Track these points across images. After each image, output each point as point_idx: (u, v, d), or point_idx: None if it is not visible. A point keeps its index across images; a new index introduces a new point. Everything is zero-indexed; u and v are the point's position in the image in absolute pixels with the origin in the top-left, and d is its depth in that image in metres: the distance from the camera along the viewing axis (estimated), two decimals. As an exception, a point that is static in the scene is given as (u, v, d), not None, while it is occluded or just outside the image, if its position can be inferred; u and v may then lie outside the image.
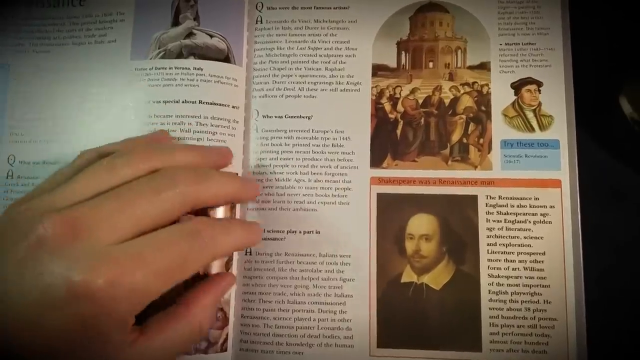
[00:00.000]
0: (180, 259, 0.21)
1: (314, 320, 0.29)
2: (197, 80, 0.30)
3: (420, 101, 0.31)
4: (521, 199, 0.29)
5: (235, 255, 0.29)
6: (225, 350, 0.28)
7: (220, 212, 0.29)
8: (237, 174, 0.30)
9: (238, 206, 0.30)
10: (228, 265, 0.29)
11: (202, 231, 0.22)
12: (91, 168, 0.23)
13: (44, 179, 0.25)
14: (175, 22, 0.31)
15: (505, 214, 0.29)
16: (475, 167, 0.30)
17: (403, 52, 0.32)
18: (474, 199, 0.29)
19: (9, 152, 0.31)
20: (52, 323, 0.19)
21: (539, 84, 0.30)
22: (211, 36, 0.31)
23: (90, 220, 0.20)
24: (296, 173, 0.30)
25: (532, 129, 0.30)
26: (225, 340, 0.28)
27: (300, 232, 0.30)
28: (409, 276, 0.29)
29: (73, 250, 0.19)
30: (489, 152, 0.30)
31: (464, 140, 0.30)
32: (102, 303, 0.19)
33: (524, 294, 0.28)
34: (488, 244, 0.29)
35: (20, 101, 0.31)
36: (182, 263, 0.21)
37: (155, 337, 0.22)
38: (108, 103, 0.31)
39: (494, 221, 0.29)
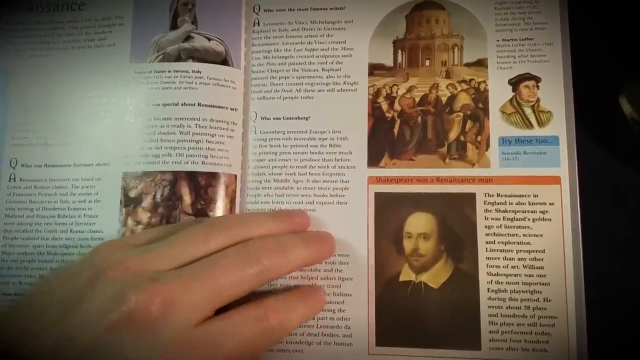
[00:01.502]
0: (247, 345, 0.23)
1: (313, 319, 0.29)
2: (196, 83, 0.31)
3: (417, 99, 0.31)
4: (520, 196, 0.29)
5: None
6: (226, 349, 0.29)
7: (219, 210, 0.29)
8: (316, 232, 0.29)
9: (237, 204, 0.30)
10: (227, 265, 0.29)
11: (270, 318, 0.24)
12: (188, 234, 0.25)
13: (143, 231, 0.27)
14: (174, 26, 0.32)
15: (503, 211, 0.29)
16: (473, 165, 0.30)
17: (399, 51, 0.31)
18: (472, 196, 0.29)
19: (10, 155, 0.31)
20: None
21: (537, 79, 0.30)
22: (209, 39, 0.32)
23: (180, 298, 0.22)
24: (294, 174, 0.31)
25: (530, 126, 0.30)
26: (225, 339, 0.29)
27: (298, 232, 0.30)
28: (407, 275, 0.29)
29: (158, 329, 0.21)
30: (486, 150, 0.30)
31: (462, 138, 0.30)
32: None
33: (523, 292, 0.28)
34: (487, 242, 0.29)
35: (21, 105, 0.32)
36: (248, 349, 0.23)
37: None
38: (107, 106, 0.31)
39: (492, 219, 0.29)
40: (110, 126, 0.31)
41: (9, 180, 0.31)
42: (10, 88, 0.32)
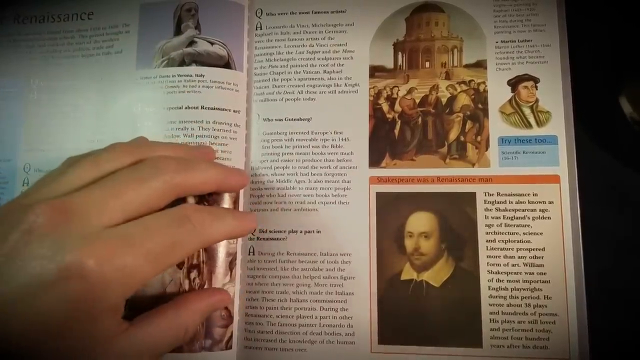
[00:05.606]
0: (169, 242, 0.22)
1: (316, 317, 0.29)
2: (199, 87, 0.31)
3: (418, 101, 0.31)
4: (520, 195, 0.29)
5: (239, 255, 0.30)
6: (230, 348, 0.29)
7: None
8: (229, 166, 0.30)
9: (241, 205, 0.31)
10: (232, 265, 0.30)
11: (191, 217, 0.23)
12: (77, 163, 0.24)
13: (35, 182, 0.25)
14: (178, 31, 0.33)
15: (504, 210, 0.29)
16: (473, 165, 0.30)
17: (400, 53, 0.32)
18: (472, 196, 0.29)
19: (25, 160, 0.32)
20: (43, 305, 0.19)
21: (536, 80, 0.30)
22: (212, 43, 0.32)
23: (80, 205, 0.21)
24: (297, 174, 0.31)
25: (529, 126, 0.30)
26: (230, 338, 0.29)
27: (301, 232, 0.30)
28: (408, 274, 0.29)
29: (64, 233, 0.20)
30: (486, 150, 0.30)
31: (462, 138, 0.30)
32: (93, 283, 0.19)
33: (524, 289, 0.28)
34: (487, 241, 0.29)
35: (33, 111, 0.33)
36: (171, 247, 0.22)
37: (142, 330, 0.22)
38: (115, 112, 0.32)
39: (492, 218, 0.29)
40: (118, 131, 0.32)
41: (23, 185, 0.32)
42: (24, 95, 0.33)
